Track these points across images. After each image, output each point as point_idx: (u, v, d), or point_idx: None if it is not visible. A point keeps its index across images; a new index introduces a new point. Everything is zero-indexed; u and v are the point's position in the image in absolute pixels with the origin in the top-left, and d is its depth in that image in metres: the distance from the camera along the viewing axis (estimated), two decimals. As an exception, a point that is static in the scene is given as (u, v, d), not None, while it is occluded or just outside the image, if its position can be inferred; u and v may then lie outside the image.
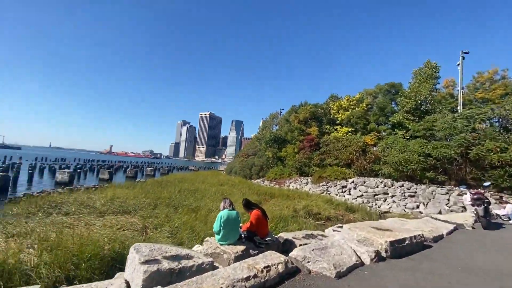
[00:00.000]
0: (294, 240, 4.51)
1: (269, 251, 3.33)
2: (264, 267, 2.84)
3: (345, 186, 20.62)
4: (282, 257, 3.21)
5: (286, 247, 4.38)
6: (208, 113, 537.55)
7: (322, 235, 5.00)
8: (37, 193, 14.55)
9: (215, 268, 2.81)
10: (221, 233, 3.81)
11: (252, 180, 30.28)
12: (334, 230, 4.98)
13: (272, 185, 25.84)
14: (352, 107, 29.47)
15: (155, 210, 9.77)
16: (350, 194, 19.72)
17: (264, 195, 16.50)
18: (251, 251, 3.68)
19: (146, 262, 2.67)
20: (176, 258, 2.89)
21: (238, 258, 3.36)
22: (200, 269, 2.73)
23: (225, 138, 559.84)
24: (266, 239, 4.19)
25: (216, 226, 3.89)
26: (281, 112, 44.25)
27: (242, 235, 4.13)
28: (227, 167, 46.82)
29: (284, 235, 4.90)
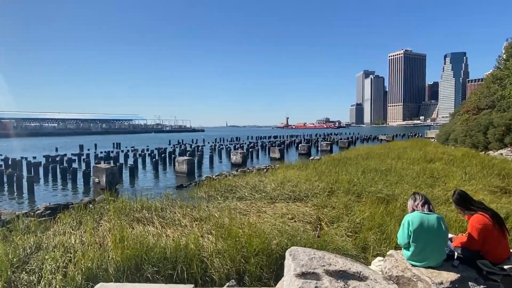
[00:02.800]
0: None
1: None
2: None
3: None
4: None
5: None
6: (401, 51, 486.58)
7: None
8: (216, 176, 19.66)
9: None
10: (411, 248, 3.33)
11: (490, 152, 24.86)
12: None
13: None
14: None
15: (331, 197, 10.37)
16: None
17: (518, 179, 13.01)
18: (471, 285, 2.95)
19: (302, 275, 2.82)
20: (342, 275, 2.85)
21: (443, 294, 2.77)
22: (378, 300, 2.51)
23: (435, 85, 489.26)
24: (505, 266, 3.19)
25: (401, 236, 3.44)
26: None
27: (455, 254, 3.39)
28: (440, 131, 41.32)
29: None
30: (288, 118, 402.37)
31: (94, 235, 6.65)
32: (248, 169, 23.89)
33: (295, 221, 8.25)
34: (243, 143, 61.39)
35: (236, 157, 31.99)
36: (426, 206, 3.44)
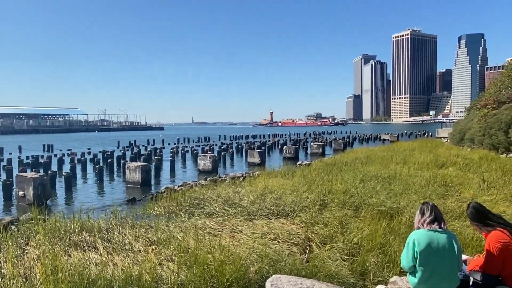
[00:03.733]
0: None
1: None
2: None
3: None
4: None
5: None
6: (408, 32, 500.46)
7: None
8: (178, 186, 19.61)
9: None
10: (418, 273, 3.44)
11: (513, 154, 26.01)
12: None
13: None
14: None
15: (323, 212, 10.56)
16: None
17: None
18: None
19: (286, 309, 2.86)
20: (335, 309, 2.90)
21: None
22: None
23: (447, 74, 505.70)
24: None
25: (405, 258, 3.55)
26: None
27: (470, 280, 3.51)
28: (453, 130, 42.86)
29: None
30: (272, 113, 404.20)
31: (17, 266, 6.46)
32: (220, 177, 24.00)
33: (278, 242, 8.33)
34: (213, 145, 61.22)
35: (204, 163, 31.90)
36: (436, 224, 3.56)
